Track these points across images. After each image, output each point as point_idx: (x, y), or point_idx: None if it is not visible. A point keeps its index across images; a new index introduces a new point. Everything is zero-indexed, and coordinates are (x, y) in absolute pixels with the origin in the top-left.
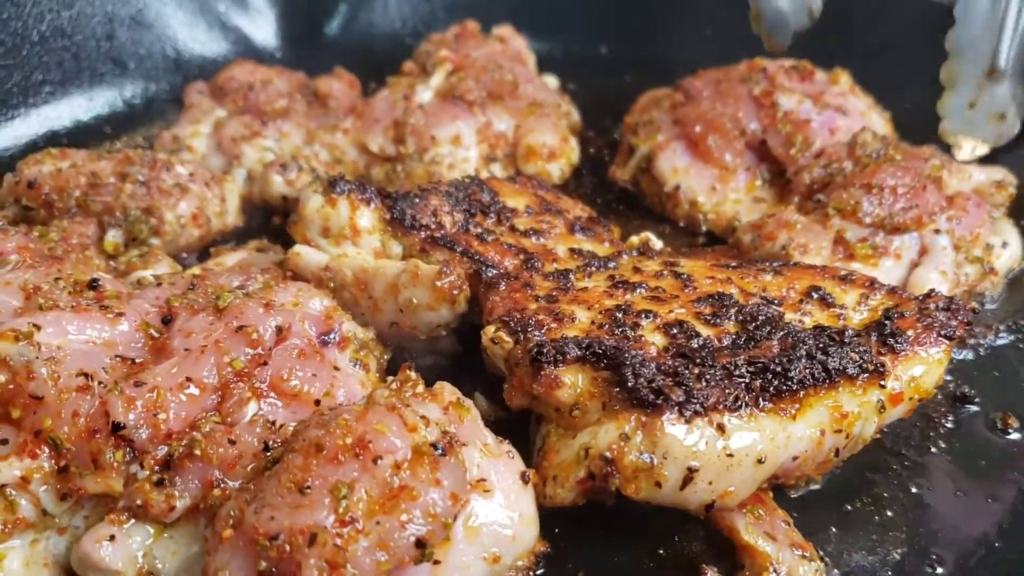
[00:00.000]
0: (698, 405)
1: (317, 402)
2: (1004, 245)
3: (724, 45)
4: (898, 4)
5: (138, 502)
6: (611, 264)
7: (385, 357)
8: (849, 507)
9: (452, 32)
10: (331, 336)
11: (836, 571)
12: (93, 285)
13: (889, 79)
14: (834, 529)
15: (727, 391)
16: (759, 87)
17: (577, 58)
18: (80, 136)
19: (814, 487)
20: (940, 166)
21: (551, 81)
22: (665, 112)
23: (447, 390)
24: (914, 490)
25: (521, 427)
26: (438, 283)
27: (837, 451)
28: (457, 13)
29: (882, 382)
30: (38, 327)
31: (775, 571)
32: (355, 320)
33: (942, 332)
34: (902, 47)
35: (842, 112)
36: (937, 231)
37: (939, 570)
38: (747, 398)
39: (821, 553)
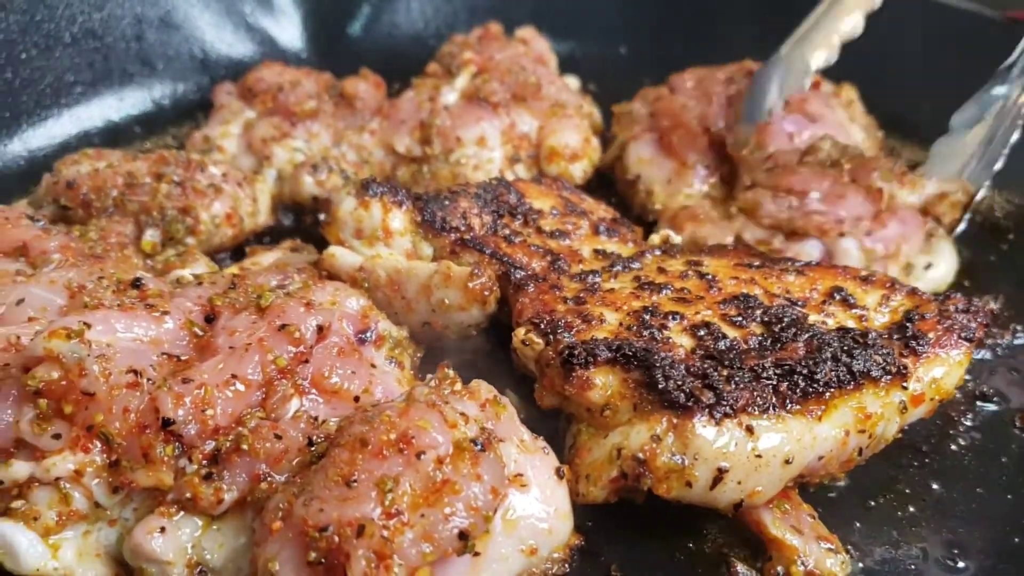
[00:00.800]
0: (728, 407)
1: (356, 398)
2: (928, 266)
3: (742, 46)
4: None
5: (187, 495)
6: (635, 264)
7: (418, 355)
8: (872, 503)
9: (475, 34)
10: (368, 334)
11: (860, 564)
12: (136, 284)
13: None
14: (858, 524)
15: (755, 393)
16: (735, 87)
17: (597, 59)
18: (111, 136)
19: (838, 483)
20: (887, 174)
21: (572, 82)
22: (646, 104)
23: (484, 388)
24: (935, 487)
25: (550, 422)
26: (469, 284)
27: (860, 450)
28: (479, 14)
29: (904, 384)
30: (88, 325)
31: (802, 563)
32: (389, 319)
33: (962, 334)
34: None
35: (813, 120)
36: (842, 235)
37: (960, 564)
38: (774, 400)
39: (846, 546)
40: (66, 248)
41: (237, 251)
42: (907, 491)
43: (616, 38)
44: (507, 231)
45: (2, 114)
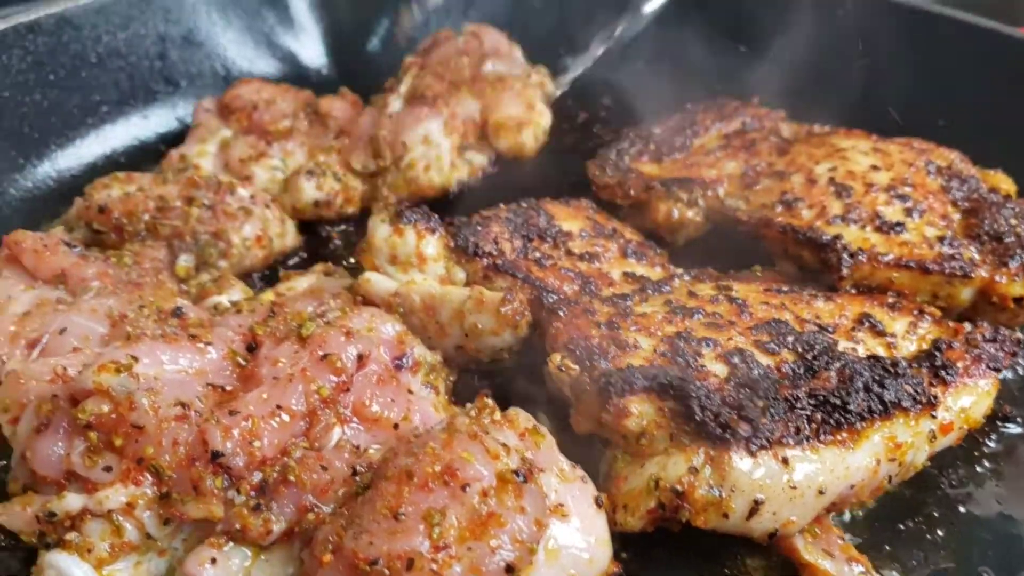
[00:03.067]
0: (764, 439)
1: (396, 425)
2: None
3: None
4: None
5: (237, 526)
6: (665, 288)
7: (451, 379)
8: (901, 527)
9: (425, 42)
10: (404, 360)
11: None
12: (177, 313)
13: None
14: (887, 548)
15: (790, 424)
16: None
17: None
18: (137, 155)
19: (866, 507)
20: None
21: (518, 55)
22: None
23: (522, 417)
24: (962, 510)
25: (581, 442)
26: (502, 310)
27: (890, 478)
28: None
29: (934, 413)
30: (136, 359)
31: None
32: (422, 343)
33: (990, 364)
34: None
35: None
36: None
37: None
38: (808, 430)
39: (877, 569)
40: (104, 275)
41: (270, 273)
42: (935, 514)
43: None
44: (538, 254)
45: (31, 135)
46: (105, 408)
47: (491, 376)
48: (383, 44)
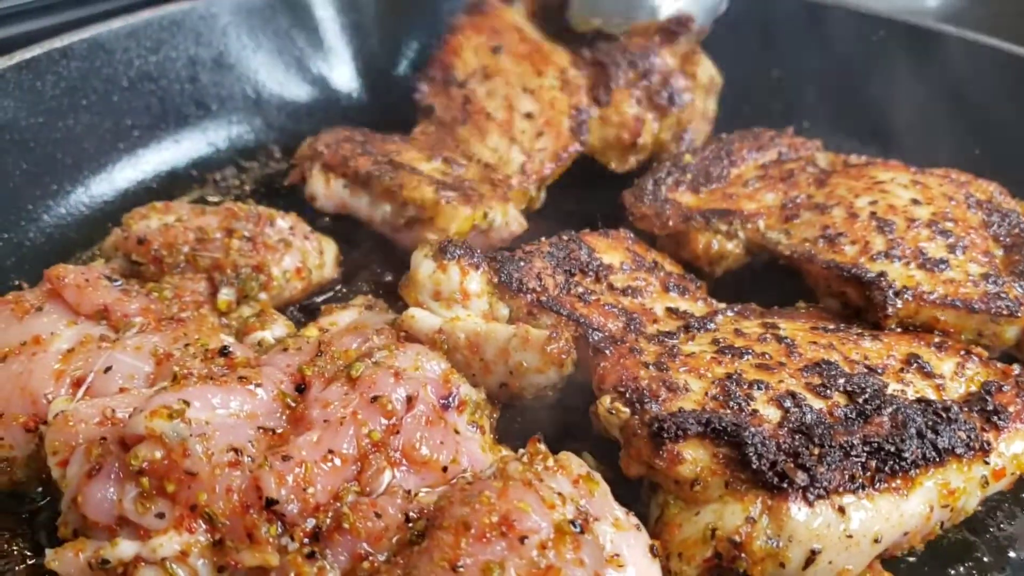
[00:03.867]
0: (821, 488)
1: (444, 468)
2: None
3: None
4: None
5: (292, 574)
6: (711, 325)
7: (494, 416)
8: (952, 571)
9: None
10: (451, 400)
11: None
12: (224, 352)
13: None
14: None
15: (846, 472)
16: None
17: None
18: (168, 180)
19: (917, 551)
20: None
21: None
22: None
23: (575, 463)
24: (1011, 554)
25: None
26: (548, 348)
27: (942, 524)
28: None
29: (986, 459)
30: (187, 403)
31: None
32: (466, 380)
33: None
34: None
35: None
36: None
37: None
38: (863, 478)
39: None
40: (147, 310)
41: (309, 306)
42: (985, 559)
43: None
44: (580, 289)
45: (64, 161)
46: (158, 454)
47: (530, 411)
48: (413, 67)
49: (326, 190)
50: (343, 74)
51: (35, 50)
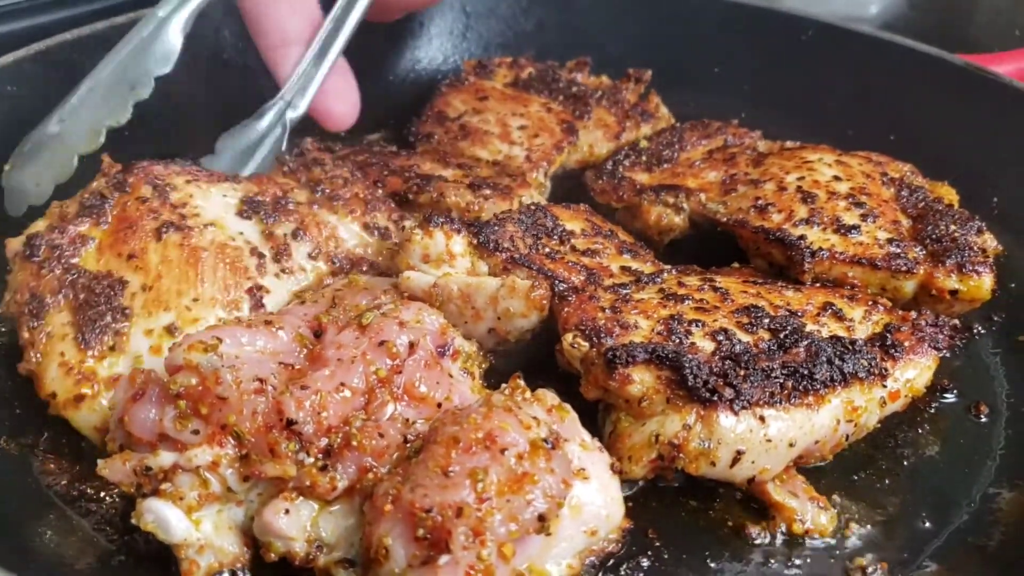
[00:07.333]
0: (745, 401)
1: (439, 404)
2: None
3: None
4: None
5: (306, 483)
6: (658, 279)
7: (483, 366)
8: (855, 477)
9: None
10: (447, 348)
11: (846, 517)
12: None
13: None
14: (843, 493)
15: (766, 389)
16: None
17: None
18: None
19: (827, 462)
20: None
21: None
22: None
23: (549, 396)
24: (906, 463)
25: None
26: (532, 295)
27: (847, 436)
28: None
29: (884, 383)
30: (220, 340)
31: (800, 520)
32: (459, 331)
33: (932, 344)
34: None
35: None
36: None
37: (927, 525)
38: (781, 395)
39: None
40: None
41: None
42: (883, 466)
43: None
44: (547, 249)
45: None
46: (193, 381)
47: (515, 356)
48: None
49: None
50: None
51: None
